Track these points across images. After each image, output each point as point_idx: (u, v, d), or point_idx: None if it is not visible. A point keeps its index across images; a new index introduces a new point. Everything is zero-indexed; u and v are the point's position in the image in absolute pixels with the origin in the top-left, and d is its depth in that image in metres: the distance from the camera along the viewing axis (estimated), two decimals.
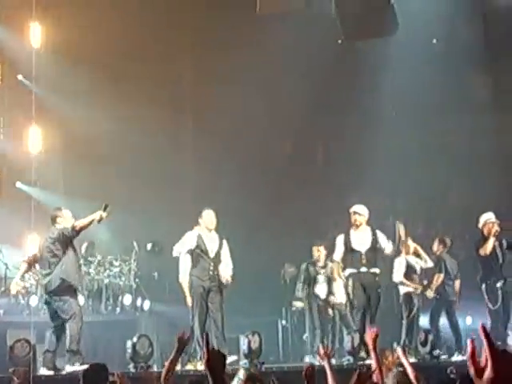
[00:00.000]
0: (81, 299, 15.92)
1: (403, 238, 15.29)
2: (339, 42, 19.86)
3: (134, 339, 12.69)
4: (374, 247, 14.15)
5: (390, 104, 21.27)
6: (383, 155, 20.81)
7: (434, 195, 22.41)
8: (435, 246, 15.80)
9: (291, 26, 19.73)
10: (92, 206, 19.05)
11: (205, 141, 21.31)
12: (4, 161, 20.02)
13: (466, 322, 19.07)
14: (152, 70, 20.25)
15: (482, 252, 14.56)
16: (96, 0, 19.48)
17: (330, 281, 15.70)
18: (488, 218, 14.74)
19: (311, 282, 15.89)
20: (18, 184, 19.81)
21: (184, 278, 13.32)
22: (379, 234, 14.36)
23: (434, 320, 15.63)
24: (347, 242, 14.14)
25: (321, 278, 15.86)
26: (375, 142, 20.50)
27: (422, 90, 20.42)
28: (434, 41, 21.47)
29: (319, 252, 15.90)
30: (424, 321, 17.84)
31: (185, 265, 13.38)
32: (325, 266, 15.82)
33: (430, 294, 15.42)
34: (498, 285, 14.57)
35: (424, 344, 14.36)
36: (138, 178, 19.62)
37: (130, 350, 12.54)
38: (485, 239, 14.59)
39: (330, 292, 15.77)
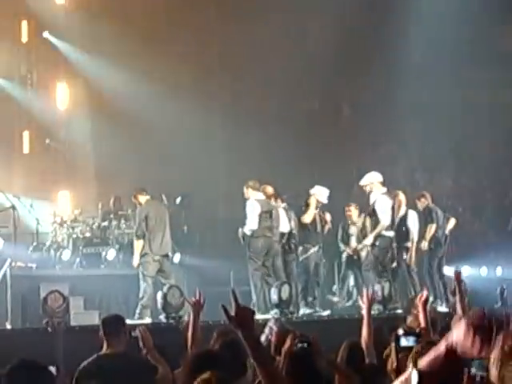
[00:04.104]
0: (112, 253, 16.09)
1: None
2: None
3: (165, 290, 12.71)
4: None
5: (418, 53, 21.05)
6: (409, 106, 20.72)
7: (460, 146, 22.30)
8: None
9: None
10: (119, 163, 19.25)
11: (231, 96, 21.28)
12: (33, 118, 20.11)
13: (496, 272, 19.07)
14: (177, 20, 20.18)
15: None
16: None
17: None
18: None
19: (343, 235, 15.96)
20: (48, 141, 19.93)
21: None
22: None
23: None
24: None
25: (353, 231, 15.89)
26: (402, 93, 20.36)
27: (449, 39, 20.20)
28: None
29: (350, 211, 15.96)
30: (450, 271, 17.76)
31: None
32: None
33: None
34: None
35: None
36: (166, 132, 19.62)
37: (161, 301, 12.56)
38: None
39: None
